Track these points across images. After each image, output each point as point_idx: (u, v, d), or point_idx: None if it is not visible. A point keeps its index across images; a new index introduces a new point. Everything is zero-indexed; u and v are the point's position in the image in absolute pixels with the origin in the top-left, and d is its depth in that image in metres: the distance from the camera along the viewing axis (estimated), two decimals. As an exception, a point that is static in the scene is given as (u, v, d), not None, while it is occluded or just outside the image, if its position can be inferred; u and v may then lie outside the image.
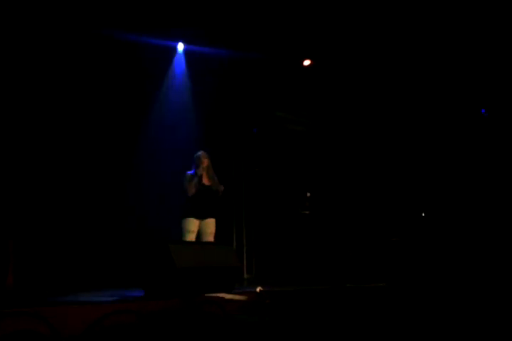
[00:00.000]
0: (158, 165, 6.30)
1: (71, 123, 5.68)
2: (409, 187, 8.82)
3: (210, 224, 5.01)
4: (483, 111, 9.12)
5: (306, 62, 8.28)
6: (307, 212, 7.08)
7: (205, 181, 5.01)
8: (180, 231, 4.93)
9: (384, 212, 8.51)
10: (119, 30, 5.78)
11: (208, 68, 6.87)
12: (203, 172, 4.95)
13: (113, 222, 5.85)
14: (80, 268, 5.39)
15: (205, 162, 4.99)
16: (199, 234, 4.97)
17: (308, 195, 7.14)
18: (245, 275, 7.13)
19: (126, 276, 5.31)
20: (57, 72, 5.54)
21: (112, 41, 5.84)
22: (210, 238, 4.97)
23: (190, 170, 5.07)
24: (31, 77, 5.38)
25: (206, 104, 6.89)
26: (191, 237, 4.87)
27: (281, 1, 6.38)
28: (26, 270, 4.96)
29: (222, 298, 3.74)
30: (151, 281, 3.91)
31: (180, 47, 6.93)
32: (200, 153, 5.04)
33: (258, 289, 4.13)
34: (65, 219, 5.53)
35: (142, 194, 6.23)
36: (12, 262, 4.80)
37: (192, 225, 4.90)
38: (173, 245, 3.99)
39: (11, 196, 5.12)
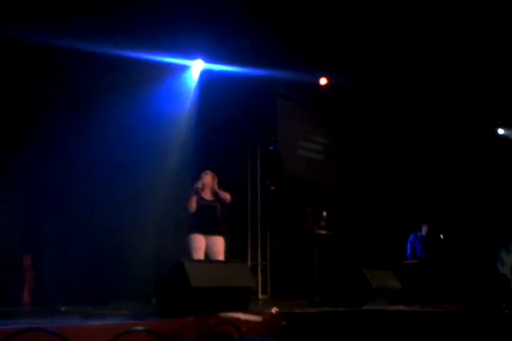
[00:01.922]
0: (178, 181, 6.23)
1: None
2: (429, 208, 8.67)
3: (218, 242, 4.90)
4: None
5: (323, 82, 8.30)
6: (323, 232, 7.00)
7: (206, 196, 5.01)
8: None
9: (401, 233, 8.38)
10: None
11: (226, 86, 6.91)
12: (200, 186, 4.94)
13: (128, 239, 5.84)
14: (97, 285, 5.38)
15: (206, 178, 5.01)
16: (206, 252, 4.83)
17: (325, 214, 7.07)
18: (260, 296, 7.02)
19: (144, 293, 5.30)
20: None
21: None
22: (220, 257, 4.85)
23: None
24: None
25: (223, 120, 6.93)
26: (199, 255, 4.74)
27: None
28: (43, 285, 4.95)
29: (238, 318, 3.68)
30: (167, 299, 3.87)
31: (199, 65, 6.94)
32: (206, 170, 5.09)
33: (274, 310, 4.06)
34: (79, 235, 5.52)
35: (160, 210, 6.20)
36: (29, 278, 4.78)
37: (198, 242, 4.80)
38: (189, 263, 3.96)
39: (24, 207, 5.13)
